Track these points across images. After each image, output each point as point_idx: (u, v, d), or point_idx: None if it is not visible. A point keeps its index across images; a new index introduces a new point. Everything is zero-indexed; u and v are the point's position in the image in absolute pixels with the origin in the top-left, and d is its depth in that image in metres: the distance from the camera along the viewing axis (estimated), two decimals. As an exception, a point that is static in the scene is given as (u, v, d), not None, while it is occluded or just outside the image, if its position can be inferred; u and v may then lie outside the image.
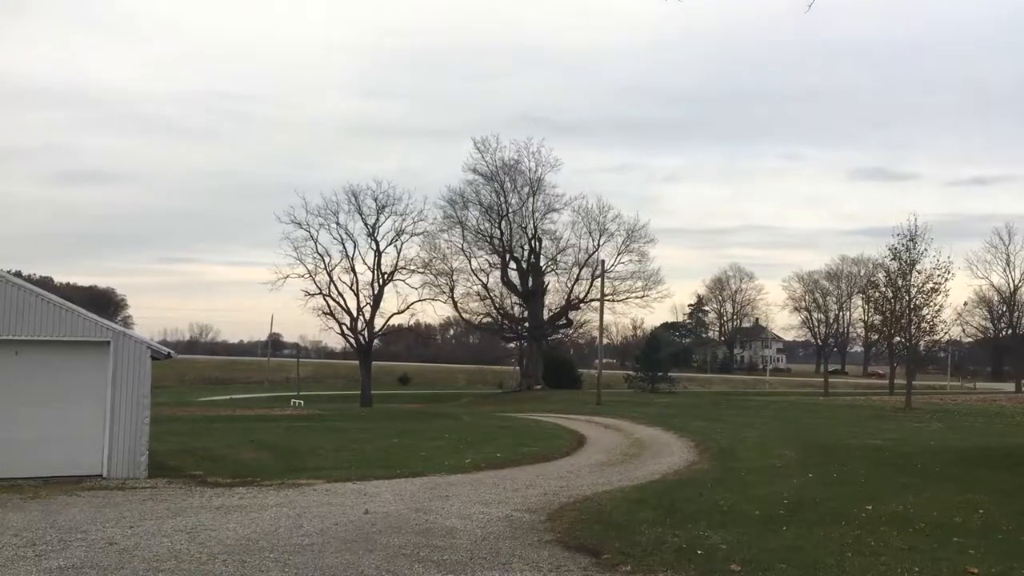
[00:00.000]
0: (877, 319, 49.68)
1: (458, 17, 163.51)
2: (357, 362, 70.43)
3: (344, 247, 64.46)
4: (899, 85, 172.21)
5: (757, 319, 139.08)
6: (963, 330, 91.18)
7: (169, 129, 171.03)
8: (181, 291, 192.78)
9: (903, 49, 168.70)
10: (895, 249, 40.56)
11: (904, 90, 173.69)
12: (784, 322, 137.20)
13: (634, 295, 72.84)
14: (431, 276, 69.06)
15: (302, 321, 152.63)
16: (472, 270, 72.24)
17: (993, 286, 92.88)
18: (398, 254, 65.52)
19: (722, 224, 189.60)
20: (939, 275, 39.90)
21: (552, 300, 75.21)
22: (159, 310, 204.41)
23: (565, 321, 77.46)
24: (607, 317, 70.92)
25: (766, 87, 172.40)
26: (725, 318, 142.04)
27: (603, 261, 63.02)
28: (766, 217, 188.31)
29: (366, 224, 64.61)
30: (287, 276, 62.26)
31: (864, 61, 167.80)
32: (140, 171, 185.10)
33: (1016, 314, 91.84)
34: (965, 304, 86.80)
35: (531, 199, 71.40)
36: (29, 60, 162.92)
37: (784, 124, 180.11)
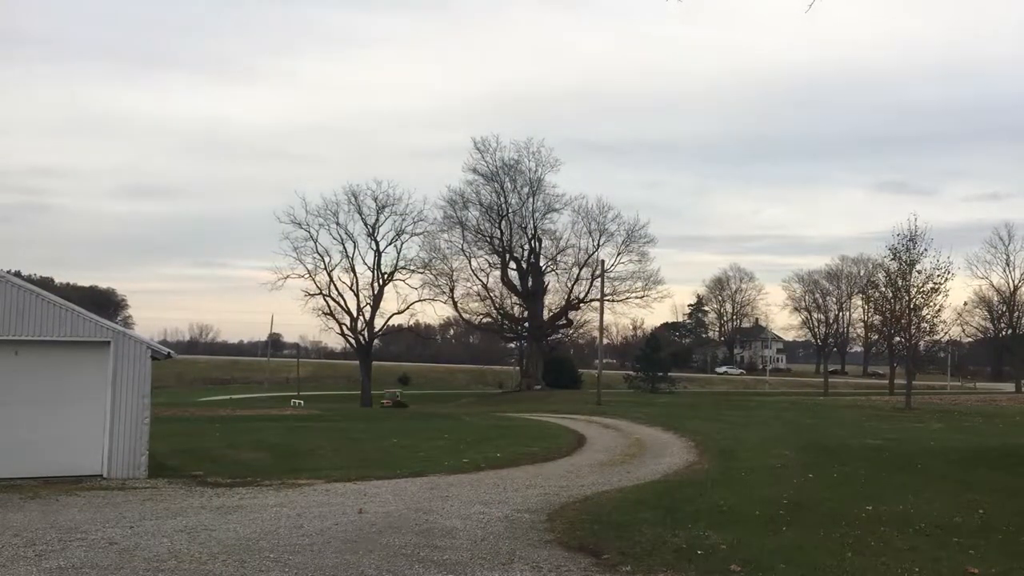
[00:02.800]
0: (877, 319, 49.72)
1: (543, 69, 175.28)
2: (357, 362, 70.44)
3: (344, 247, 64.64)
4: (922, 115, 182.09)
5: (757, 319, 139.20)
6: (963, 330, 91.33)
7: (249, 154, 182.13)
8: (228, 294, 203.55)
9: (928, 84, 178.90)
10: (895, 249, 40.59)
11: (928, 118, 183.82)
12: (784, 322, 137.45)
13: (634, 295, 73.07)
14: (431, 276, 69.25)
15: (302, 321, 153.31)
16: (472, 270, 72.50)
17: (993, 286, 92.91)
18: (398, 254, 65.71)
19: (749, 232, 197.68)
20: (939, 275, 39.94)
21: (552, 300, 75.42)
22: (163, 310, 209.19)
23: (565, 321, 77.54)
24: (607, 317, 71.05)
25: (804, 124, 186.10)
26: (725, 318, 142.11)
27: (603, 261, 63.20)
28: (790, 225, 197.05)
29: (366, 224, 64.78)
30: (287, 276, 62.43)
31: (891, 95, 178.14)
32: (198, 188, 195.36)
33: (1016, 314, 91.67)
34: (965, 304, 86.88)
35: (531, 199, 71.64)
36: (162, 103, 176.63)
37: (817, 148, 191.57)
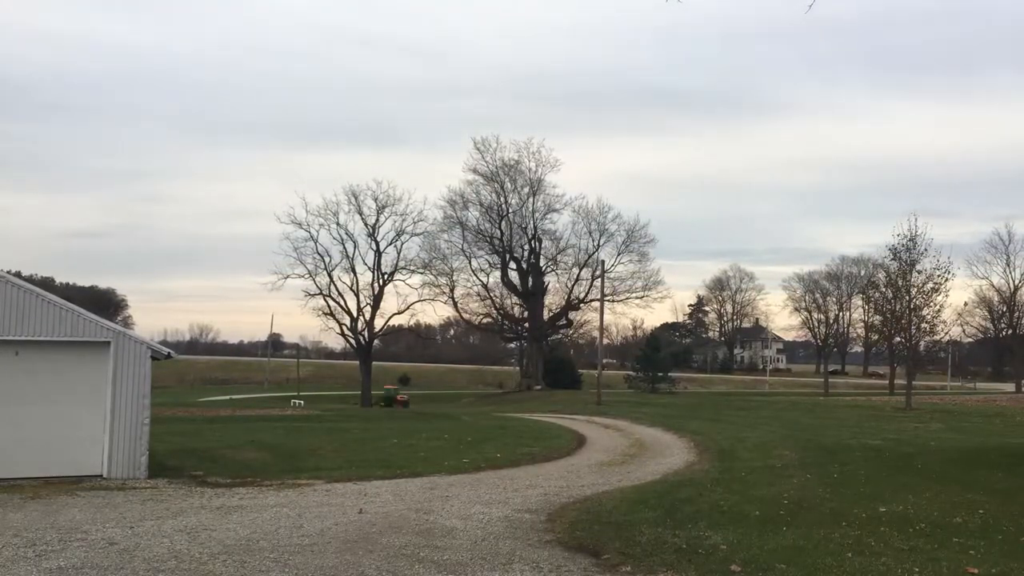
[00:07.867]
0: (877, 319, 49.68)
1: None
2: (357, 362, 70.44)
3: (344, 247, 64.56)
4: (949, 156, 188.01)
5: (757, 319, 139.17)
6: (963, 330, 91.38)
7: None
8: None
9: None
10: (895, 249, 40.58)
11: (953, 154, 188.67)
12: (784, 322, 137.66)
13: (634, 295, 73.08)
14: (431, 276, 69.24)
15: (302, 322, 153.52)
16: (472, 270, 72.49)
17: (993, 286, 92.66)
18: (398, 254, 65.65)
19: (779, 245, 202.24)
20: (939, 275, 39.95)
21: (552, 300, 75.43)
22: (162, 311, 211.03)
23: (565, 321, 77.55)
24: (607, 317, 71.05)
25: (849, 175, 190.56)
26: (725, 318, 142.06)
27: (603, 261, 63.16)
28: (812, 239, 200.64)
29: (366, 224, 64.73)
30: (287, 276, 62.35)
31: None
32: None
33: (1016, 314, 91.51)
34: (965, 304, 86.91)
35: (531, 199, 71.60)
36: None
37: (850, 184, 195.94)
